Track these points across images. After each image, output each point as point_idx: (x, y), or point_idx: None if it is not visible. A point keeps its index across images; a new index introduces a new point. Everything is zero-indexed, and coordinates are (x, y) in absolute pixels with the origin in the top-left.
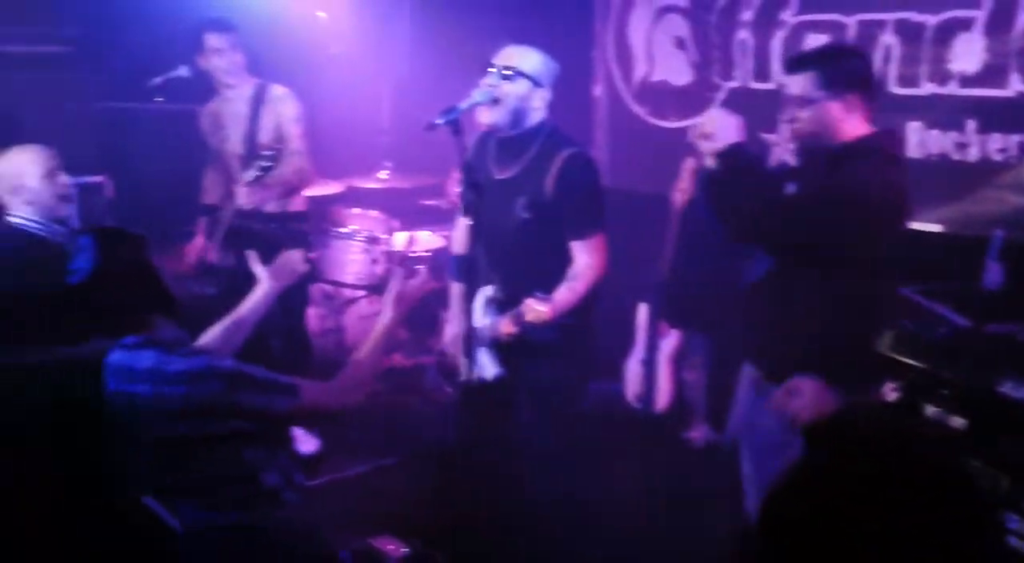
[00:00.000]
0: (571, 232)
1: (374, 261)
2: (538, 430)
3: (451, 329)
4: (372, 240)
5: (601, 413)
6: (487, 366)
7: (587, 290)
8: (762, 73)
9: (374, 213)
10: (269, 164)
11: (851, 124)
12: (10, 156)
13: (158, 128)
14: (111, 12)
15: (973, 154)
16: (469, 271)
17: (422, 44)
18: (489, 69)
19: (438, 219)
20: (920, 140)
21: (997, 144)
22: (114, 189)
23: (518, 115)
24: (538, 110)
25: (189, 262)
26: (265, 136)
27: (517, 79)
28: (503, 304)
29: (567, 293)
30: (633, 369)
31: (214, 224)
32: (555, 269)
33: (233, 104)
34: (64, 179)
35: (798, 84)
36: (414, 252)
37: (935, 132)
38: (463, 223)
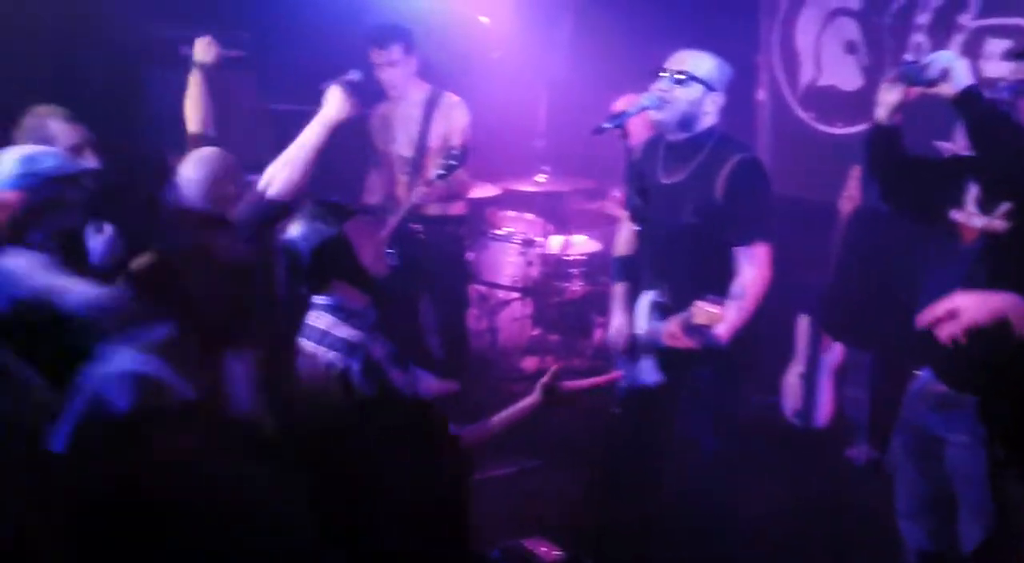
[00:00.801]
0: (737, 238)
1: (529, 264)
2: (697, 438)
3: (614, 325)
4: (528, 243)
5: (757, 426)
6: (648, 371)
7: (756, 306)
8: None
9: (530, 216)
10: (455, 164)
11: None
12: (203, 160)
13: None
14: (283, 15)
15: None
16: (633, 274)
17: (582, 49)
18: (660, 73)
19: (594, 223)
20: None
21: None
22: None
23: (688, 119)
24: (709, 115)
25: None
26: (434, 142)
27: (690, 83)
28: (667, 309)
29: (736, 313)
30: (792, 382)
31: (374, 223)
32: (721, 276)
33: (405, 108)
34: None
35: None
36: (569, 256)
37: None
38: (628, 227)
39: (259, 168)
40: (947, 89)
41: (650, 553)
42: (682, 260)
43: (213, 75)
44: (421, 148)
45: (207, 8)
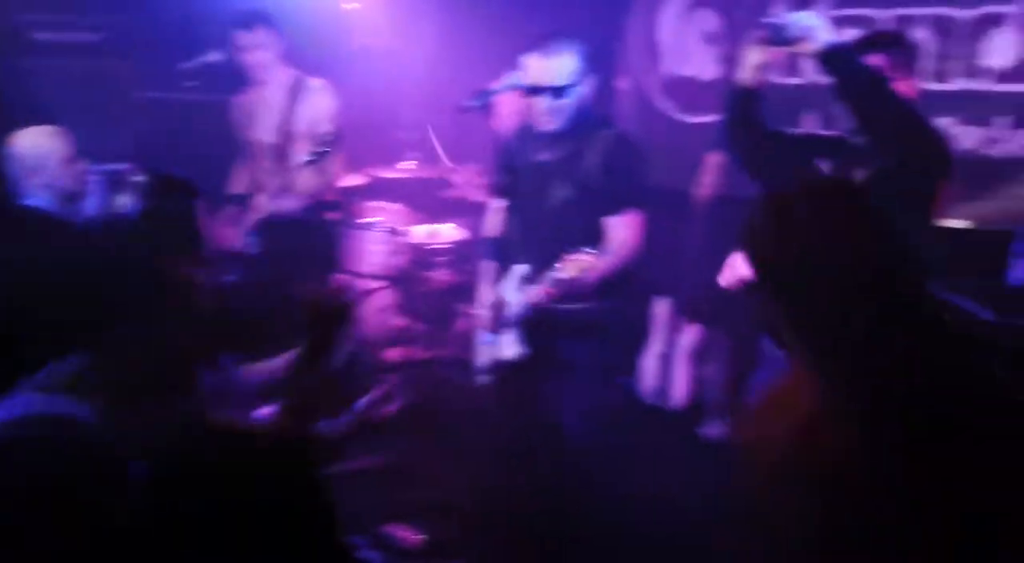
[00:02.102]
0: (608, 208)
1: (394, 253)
2: (565, 416)
3: (482, 300)
4: (392, 231)
5: (615, 407)
6: (510, 345)
7: (622, 262)
8: (792, 68)
9: (396, 205)
10: (326, 149)
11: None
12: (30, 135)
13: (190, 117)
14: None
15: (1003, 149)
16: (503, 254)
17: (450, 36)
18: (526, 57)
19: (461, 211)
20: (952, 136)
21: None
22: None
23: (565, 110)
24: (579, 94)
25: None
26: (299, 127)
27: (566, 89)
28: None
29: (603, 262)
30: (650, 364)
31: (240, 212)
32: (594, 247)
33: (268, 94)
34: (83, 167)
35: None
36: (434, 244)
37: (966, 128)
38: (496, 205)
39: (127, 157)
40: (809, 47)
41: (520, 534)
42: (555, 234)
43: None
44: (285, 134)
45: None
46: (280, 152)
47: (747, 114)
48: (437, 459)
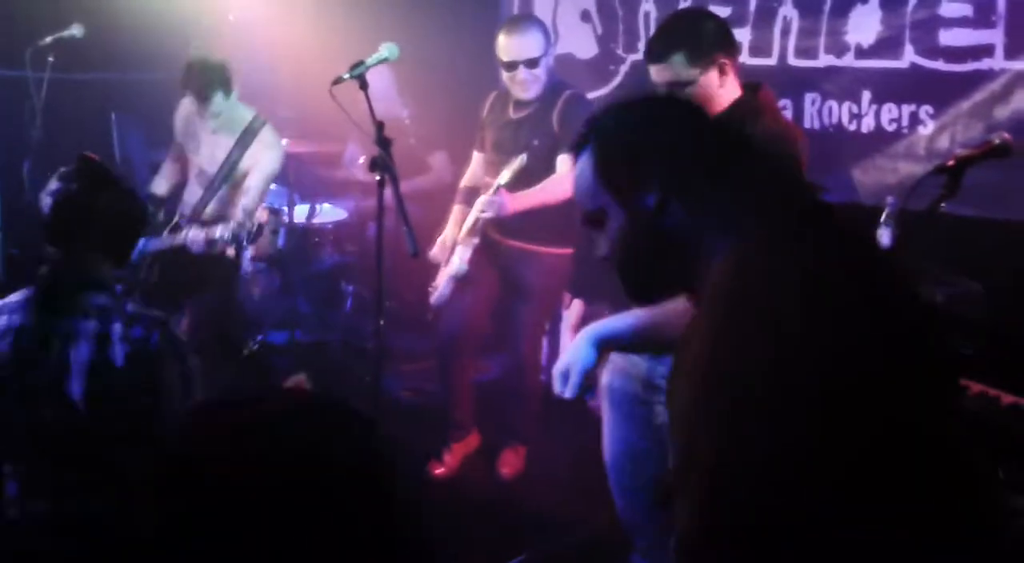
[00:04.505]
0: (563, 149)
1: (274, 233)
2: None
3: (443, 236)
4: (271, 212)
5: (503, 384)
6: (458, 263)
7: (552, 195)
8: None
9: (272, 184)
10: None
11: (728, 88)
12: None
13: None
14: None
15: (867, 124)
16: (472, 199)
17: (326, 10)
18: (510, 66)
19: (340, 191)
20: (817, 111)
21: (890, 114)
22: None
23: (533, 70)
24: (547, 64)
25: None
26: (239, 175)
27: (536, 62)
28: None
29: (535, 191)
30: None
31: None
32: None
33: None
34: None
35: (668, 72)
36: (315, 224)
37: (831, 103)
38: (477, 160)
39: None
40: None
41: None
42: (523, 175)
43: None
44: (226, 176)
45: None
46: (214, 188)
47: None
48: None
